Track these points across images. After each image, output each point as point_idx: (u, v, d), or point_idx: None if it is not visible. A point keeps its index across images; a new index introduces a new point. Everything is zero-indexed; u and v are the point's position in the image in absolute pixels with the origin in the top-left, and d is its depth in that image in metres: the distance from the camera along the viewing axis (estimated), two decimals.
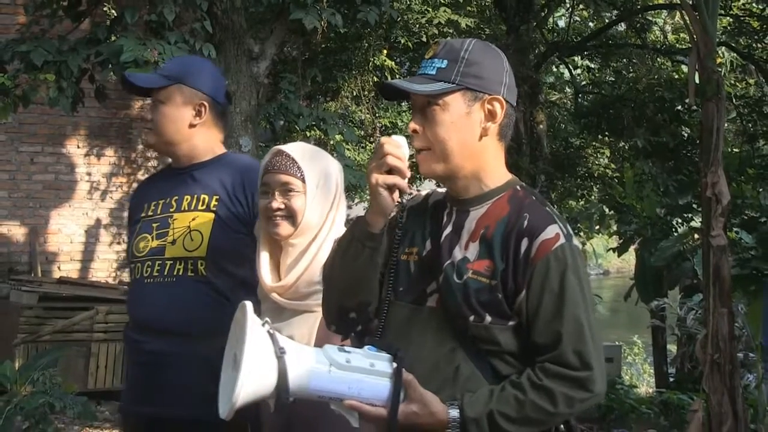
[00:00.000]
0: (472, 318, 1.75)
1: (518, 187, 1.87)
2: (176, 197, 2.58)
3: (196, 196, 2.56)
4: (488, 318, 1.75)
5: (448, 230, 1.85)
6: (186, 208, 2.55)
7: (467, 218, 1.84)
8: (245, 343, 1.65)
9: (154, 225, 2.58)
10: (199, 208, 2.54)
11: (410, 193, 1.91)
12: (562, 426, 1.82)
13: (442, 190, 1.96)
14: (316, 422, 2.12)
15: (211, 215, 2.51)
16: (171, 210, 2.57)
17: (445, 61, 1.82)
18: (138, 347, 2.54)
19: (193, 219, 2.52)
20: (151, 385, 2.48)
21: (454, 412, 1.71)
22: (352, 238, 1.87)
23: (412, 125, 1.84)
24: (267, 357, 1.67)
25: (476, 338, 1.76)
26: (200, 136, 2.61)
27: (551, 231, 1.76)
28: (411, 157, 1.85)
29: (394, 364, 1.72)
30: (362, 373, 1.71)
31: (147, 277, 2.52)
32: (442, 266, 1.81)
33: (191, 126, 2.58)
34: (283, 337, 1.73)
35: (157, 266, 2.52)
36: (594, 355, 1.73)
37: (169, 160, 2.74)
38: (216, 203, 2.52)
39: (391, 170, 1.78)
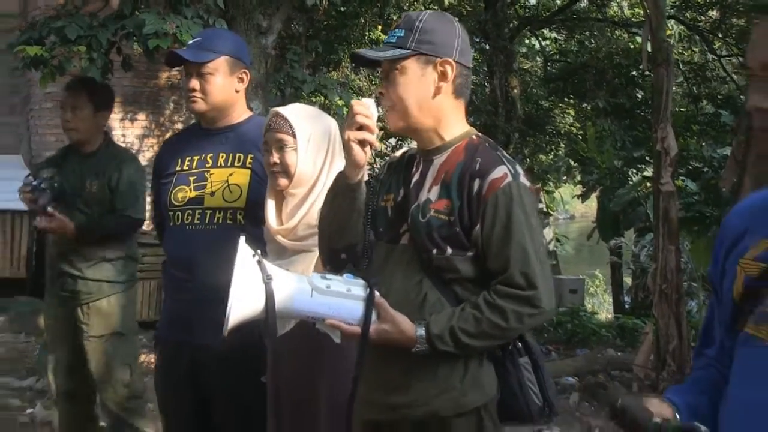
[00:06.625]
0: (435, 251, 1.78)
1: (474, 136, 1.88)
2: (211, 154, 2.54)
3: (231, 154, 2.52)
4: (449, 250, 1.77)
5: (416, 178, 1.88)
6: (222, 164, 2.52)
7: (431, 166, 1.86)
8: (235, 270, 1.68)
9: (191, 178, 2.53)
10: (236, 164, 2.51)
11: (378, 148, 1.91)
12: (519, 344, 1.83)
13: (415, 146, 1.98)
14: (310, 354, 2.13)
15: (248, 171, 2.48)
16: (207, 165, 2.53)
17: (403, 30, 1.82)
18: (181, 285, 2.49)
19: (231, 174, 2.49)
20: (193, 318, 2.44)
21: (421, 330, 1.74)
22: (335, 189, 1.90)
23: (380, 89, 1.86)
24: (255, 282, 1.69)
25: (440, 268, 1.79)
26: (239, 101, 2.60)
27: (500, 171, 1.77)
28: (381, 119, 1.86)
29: (368, 290, 1.73)
30: (340, 297, 1.72)
31: (189, 224, 2.49)
32: (411, 209, 1.84)
33: (236, 92, 2.57)
34: (272, 266, 1.74)
35: (198, 214, 2.48)
36: (539, 276, 1.74)
37: (192, 120, 2.70)
38: (251, 161, 2.49)
39: (361, 127, 1.78)
